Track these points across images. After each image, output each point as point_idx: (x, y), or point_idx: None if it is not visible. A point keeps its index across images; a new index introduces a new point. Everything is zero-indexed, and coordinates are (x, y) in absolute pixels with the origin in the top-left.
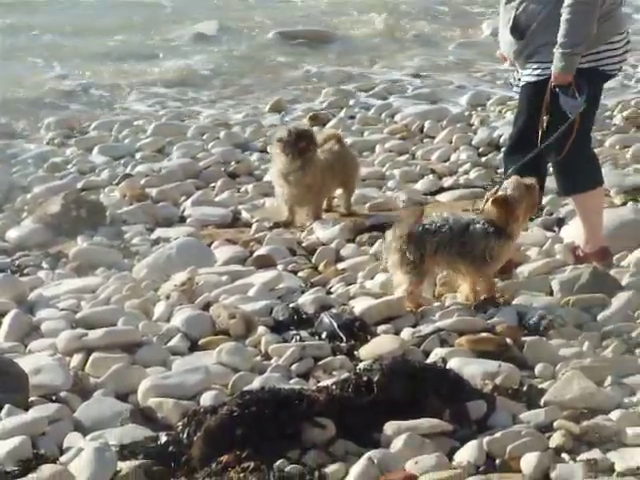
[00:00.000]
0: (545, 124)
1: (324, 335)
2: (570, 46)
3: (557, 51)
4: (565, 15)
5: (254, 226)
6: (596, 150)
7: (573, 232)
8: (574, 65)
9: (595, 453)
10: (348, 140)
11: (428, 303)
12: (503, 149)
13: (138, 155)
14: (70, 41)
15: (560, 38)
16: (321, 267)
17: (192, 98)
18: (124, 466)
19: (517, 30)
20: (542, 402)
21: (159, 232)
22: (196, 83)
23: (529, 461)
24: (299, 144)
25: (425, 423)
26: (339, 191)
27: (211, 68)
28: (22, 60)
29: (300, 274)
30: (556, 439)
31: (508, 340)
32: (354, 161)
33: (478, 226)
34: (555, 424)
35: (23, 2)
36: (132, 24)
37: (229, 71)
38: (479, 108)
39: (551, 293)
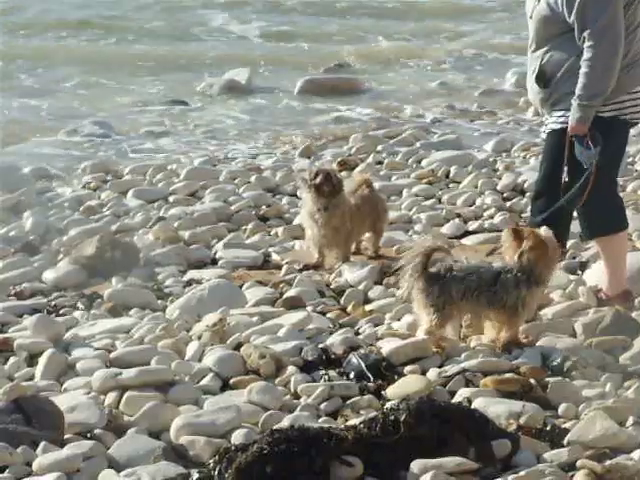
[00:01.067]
0: (566, 174)
1: (352, 375)
2: (587, 98)
3: (574, 102)
4: (584, 68)
5: (284, 268)
6: None
7: (596, 275)
8: (590, 116)
9: None
10: (376, 184)
11: (452, 344)
12: (529, 194)
13: (171, 198)
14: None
15: (578, 90)
16: (349, 308)
17: (225, 143)
18: None
19: (542, 79)
20: (565, 441)
21: (191, 274)
22: (228, 129)
23: None
24: (322, 184)
25: (451, 461)
26: (367, 234)
27: (242, 115)
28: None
29: (329, 315)
30: (579, 478)
31: (532, 381)
32: (383, 205)
33: (510, 275)
34: (578, 463)
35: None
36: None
37: (260, 118)
38: (504, 154)
39: (574, 335)
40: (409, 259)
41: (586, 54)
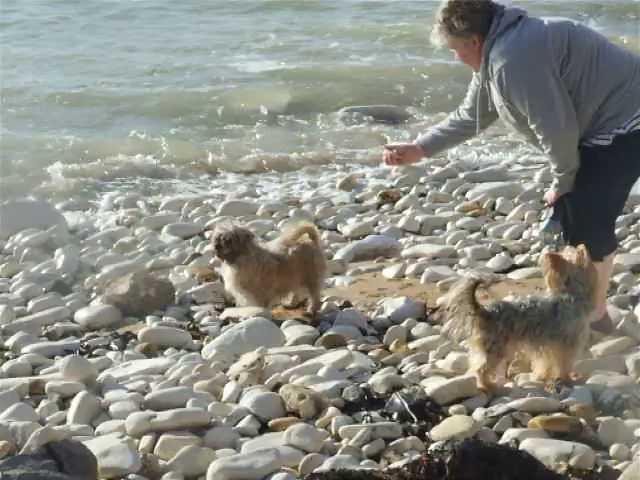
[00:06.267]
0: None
1: (395, 416)
2: (558, 171)
3: (553, 174)
4: (544, 151)
5: (324, 305)
6: None
7: None
8: (567, 183)
9: None
10: (419, 217)
11: (500, 384)
12: None
13: (207, 234)
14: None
15: (550, 164)
16: (392, 346)
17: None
18: None
19: None
20: None
21: (228, 312)
22: (266, 162)
23: None
24: (227, 249)
25: None
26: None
27: (282, 145)
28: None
29: (371, 353)
30: None
31: (582, 420)
32: (319, 259)
33: (568, 304)
34: None
35: None
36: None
37: (300, 148)
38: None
39: (626, 372)
40: (455, 296)
41: (540, 141)
